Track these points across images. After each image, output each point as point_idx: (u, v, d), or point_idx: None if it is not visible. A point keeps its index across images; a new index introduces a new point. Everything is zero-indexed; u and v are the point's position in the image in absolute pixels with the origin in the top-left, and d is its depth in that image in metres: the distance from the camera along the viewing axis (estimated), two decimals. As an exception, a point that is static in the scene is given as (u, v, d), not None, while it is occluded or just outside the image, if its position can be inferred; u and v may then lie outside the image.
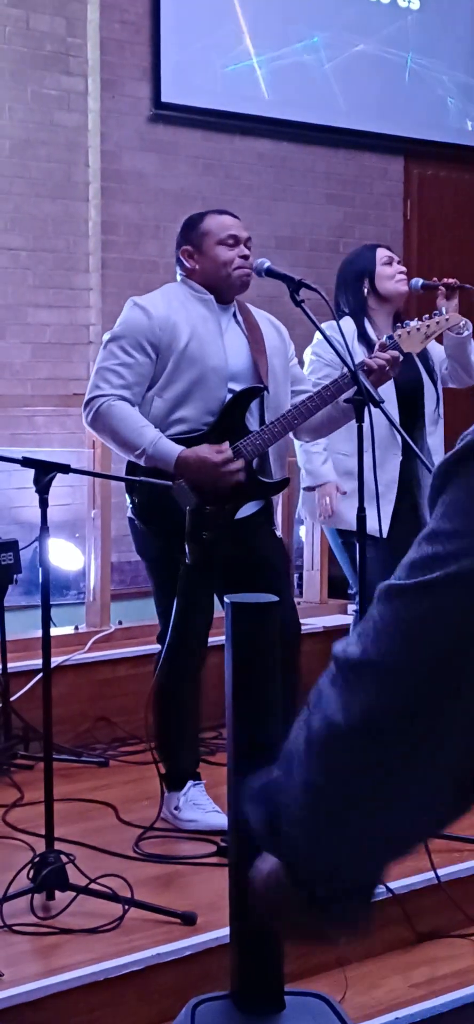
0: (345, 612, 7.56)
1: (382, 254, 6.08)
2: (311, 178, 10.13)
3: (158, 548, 5.12)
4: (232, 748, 3.01)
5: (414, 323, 5.34)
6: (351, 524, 5.86)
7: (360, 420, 4.94)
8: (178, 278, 5.24)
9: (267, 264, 5.11)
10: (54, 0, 8.85)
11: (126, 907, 4.29)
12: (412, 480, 6.10)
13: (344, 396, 5.05)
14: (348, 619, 7.36)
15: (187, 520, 4.85)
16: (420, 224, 10.66)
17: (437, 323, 5.40)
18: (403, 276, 6.04)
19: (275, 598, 3.13)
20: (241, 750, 2.98)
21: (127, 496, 5.16)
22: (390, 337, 5.41)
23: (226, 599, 3.05)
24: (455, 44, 10.67)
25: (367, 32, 10.21)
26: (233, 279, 5.13)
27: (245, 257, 5.13)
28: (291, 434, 5.23)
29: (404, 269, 6.09)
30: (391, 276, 6.02)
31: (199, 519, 4.94)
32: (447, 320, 5.50)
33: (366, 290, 6.01)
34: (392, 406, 5.80)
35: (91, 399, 5.05)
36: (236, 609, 2.97)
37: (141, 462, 4.96)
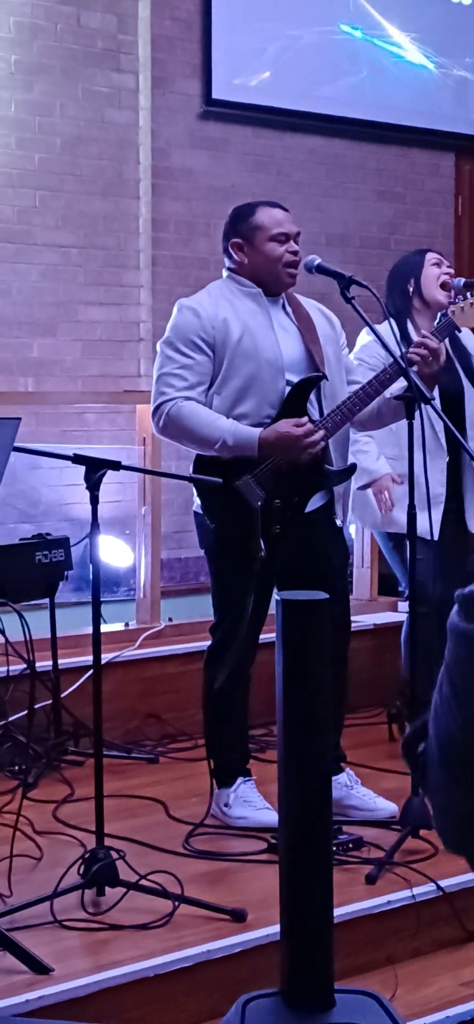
0: (395, 609, 7.53)
1: (432, 256, 6.07)
2: (362, 175, 10.11)
3: (224, 542, 5.11)
4: (282, 747, 3.01)
5: (468, 298, 5.31)
6: (402, 526, 5.84)
7: (411, 418, 4.92)
8: (224, 272, 5.23)
9: (318, 260, 5.10)
10: (105, -2, 8.88)
11: (176, 903, 4.29)
12: (458, 483, 6.06)
13: (395, 393, 5.03)
14: (398, 616, 7.34)
15: (258, 516, 4.86)
16: (471, 220, 10.63)
17: None
18: (449, 276, 6.01)
19: (325, 595, 3.11)
20: (291, 749, 2.97)
21: (194, 491, 5.16)
22: (444, 314, 5.38)
23: (276, 597, 3.05)
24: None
25: (420, 28, 10.17)
26: (282, 275, 5.12)
27: (294, 253, 5.11)
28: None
29: (451, 271, 6.06)
30: (437, 277, 5.99)
31: (270, 514, 4.95)
32: None
33: (411, 290, 5.99)
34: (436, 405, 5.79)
35: (158, 406, 5.04)
36: (287, 607, 2.96)
37: (223, 454, 4.95)
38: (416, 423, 4.93)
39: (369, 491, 5.99)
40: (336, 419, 5.03)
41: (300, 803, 2.96)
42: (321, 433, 4.97)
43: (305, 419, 4.96)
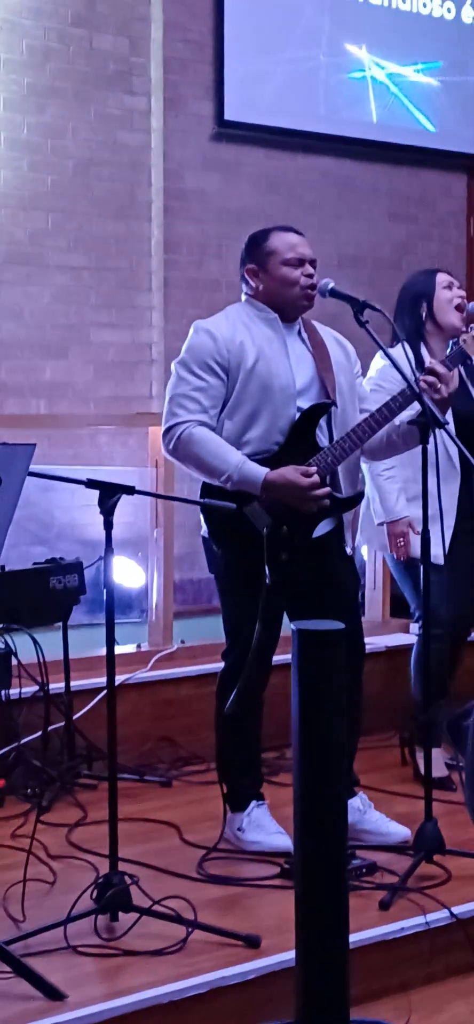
0: (407, 631, 7.52)
1: (442, 278, 6.05)
2: (374, 196, 10.12)
3: (232, 568, 5.12)
4: (298, 776, 3.00)
5: None
6: (415, 550, 5.84)
7: (425, 442, 4.91)
8: (243, 297, 5.24)
9: (331, 284, 5.09)
10: (117, 20, 8.89)
11: (190, 929, 4.29)
12: (472, 504, 6.06)
13: (408, 419, 5.02)
14: (410, 639, 7.33)
15: (265, 542, 4.86)
16: (484, 241, 10.63)
17: None
18: (461, 300, 6.00)
19: (341, 625, 3.11)
20: (307, 779, 2.97)
21: (202, 516, 5.16)
22: (455, 342, 5.38)
23: (292, 626, 3.04)
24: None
25: (431, 50, 10.18)
26: (297, 299, 5.12)
27: (309, 276, 5.11)
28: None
29: (463, 293, 6.05)
30: (450, 301, 5.98)
31: (277, 540, 4.94)
32: None
33: (424, 314, 5.98)
34: (451, 433, 5.78)
35: (170, 427, 5.04)
36: (303, 637, 2.96)
37: (227, 487, 4.95)
38: (430, 446, 4.92)
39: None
40: (345, 446, 5.03)
41: (316, 834, 2.95)
42: (326, 489, 4.96)
43: (313, 469, 4.95)
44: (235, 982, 4.08)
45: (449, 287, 6.02)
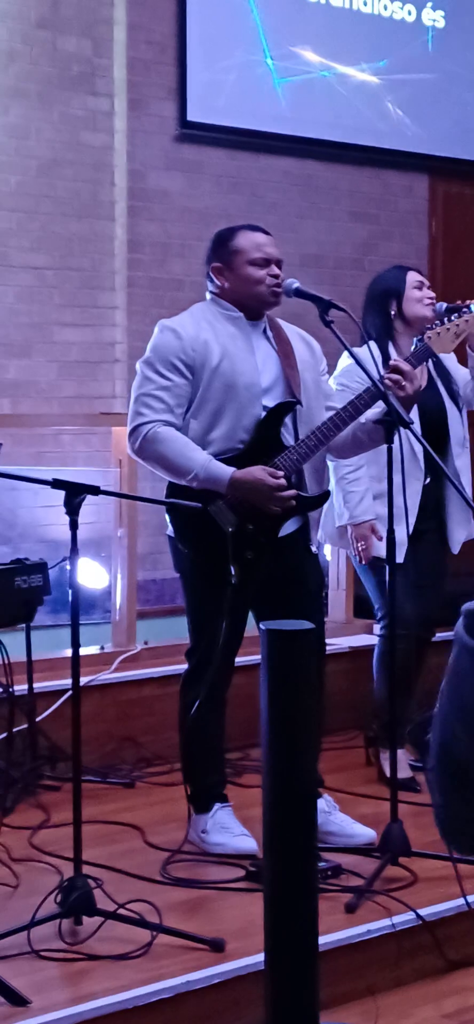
0: (371, 632, 7.51)
1: (413, 278, 6.03)
2: (335, 196, 10.11)
3: (197, 567, 5.10)
4: (268, 776, 2.98)
5: (444, 324, 5.30)
6: (376, 550, 5.83)
7: (390, 442, 4.91)
8: (207, 295, 5.22)
9: (296, 284, 5.08)
10: (81, 21, 8.85)
11: (154, 933, 4.26)
12: (439, 503, 6.06)
13: (374, 418, 5.01)
14: (374, 639, 7.32)
15: (230, 541, 4.84)
16: (445, 242, 10.62)
17: (467, 321, 5.34)
18: (431, 301, 5.99)
19: (311, 625, 3.10)
20: (277, 779, 2.95)
21: (167, 515, 5.14)
22: (420, 339, 5.38)
23: (261, 626, 3.02)
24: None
25: (391, 50, 10.18)
26: (263, 298, 5.10)
27: (275, 276, 5.10)
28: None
29: (433, 295, 6.04)
30: (419, 300, 5.97)
31: (241, 539, 4.92)
32: None
33: (393, 312, 5.96)
34: (416, 432, 5.77)
35: (136, 427, 5.02)
36: (272, 637, 2.94)
37: (193, 486, 4.93)
38: (395, 445, 4.92)
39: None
40: (310, 444, 5.01)
41: (285, 835, 2.93)
42: (292, 493, 4.95)
43: (281, 472, 4.94)
44: (200, 986, 4.06)
45: (419, 287, 6.01)
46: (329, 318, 4.92)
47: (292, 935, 2.96)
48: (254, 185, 9.61)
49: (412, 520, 5.81)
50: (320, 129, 9.87)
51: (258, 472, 4.91)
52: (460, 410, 6.08)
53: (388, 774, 5.21)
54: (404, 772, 5.87)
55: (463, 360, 6.12)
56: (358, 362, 4.91)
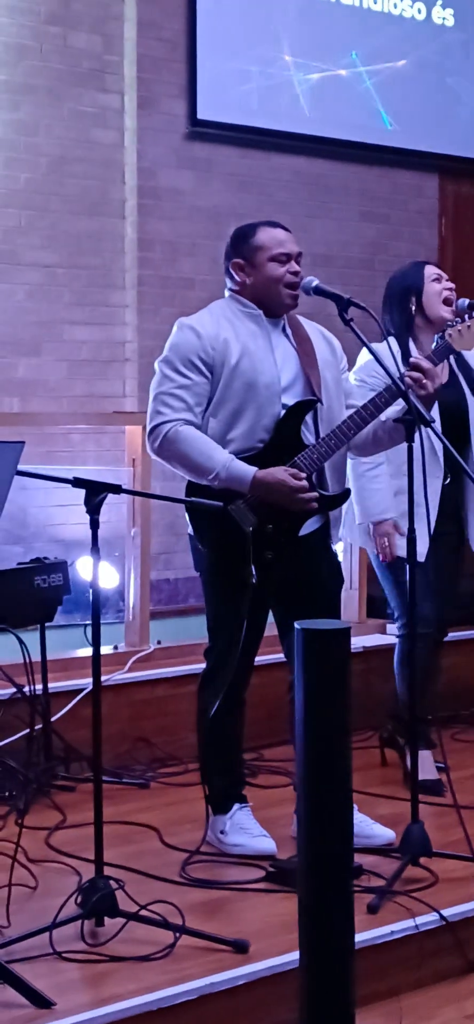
0: (384, 632, 7.49)
1: (431, 271, 5.99)
2: (345, 195, 10.09)
3: (217, 567, 5.07)
4: (304, 777, 2.95)
5: (466, 321, 5.26)
6: (400, 549, 5.79)
7: (410, 440, 4.87)
8: (226, 292, 5.19)
9: (316, 282, 5.06)
10: (91, 18, 8.83)
11: (177, 935, 4.23)
12: (458, 502, 6.02)
13: (394, 416, 4.98)
14: (387, 639, 7.30)
15: (249, 542, 4.81)
16: (455, 242, 10.60)
17: None
18: (451, 294, 5.94)
19: (347, 624, 3.07)
20: (313, 780, 2.92)
21: (187, 514, 5.12)
22: (441, 337, 5.33)
23: (296, 625, 2.99)
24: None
25: (403, 49, 10.16)
26: (283, 296, 5.08)
27: (295, 273, 5.07)
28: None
29: (452, 286, 5.98)
30: (438, 294, 5.92)
31: (261, 540, 4.90)
32: None
33: (413, 308, 5.91)
34: (436, 427, 5.73)
35: (156, 427, 4.98)
36: (308, 637, 2.91)
37: (214, 485, 4.90)
38: (415, 444, 4.88)
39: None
40: (331, 443, 4.99)
41: (322, 835, 2.91)
42: (314, 495, 4.92)
43: (303, 474, 4.92)
44: (224, 988, 4.03)
45: (438, 280, 5.96)
46: (348, 316, 4.89)
47: (328, 940, 2.93)
48: (264, 184, 9.58)
49: (433, 519, 5.77)
50: (331, 128, 9.85)
51: (280, 473, 4.88)
52: None
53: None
54: (430, 774, 5.83)
55: None
56: (378, 360, 4.88)
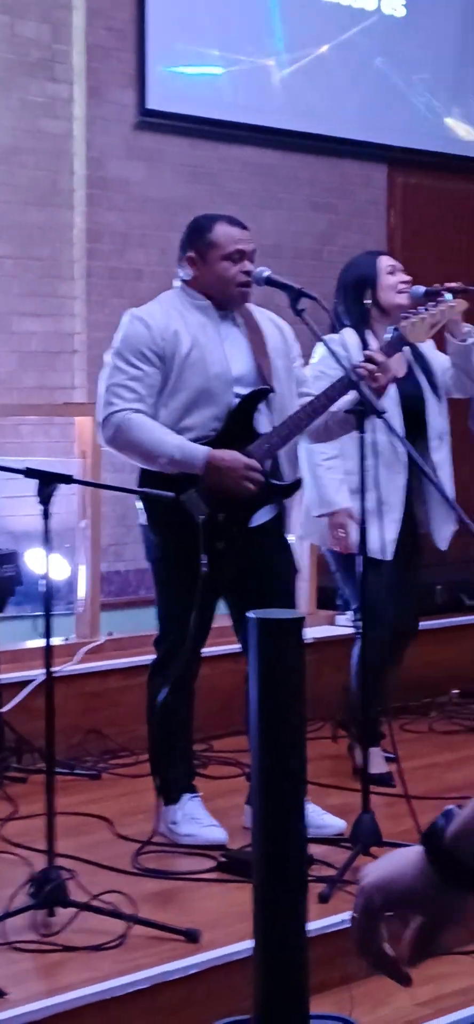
0: (333, 623, 7.52)
1: (385, 263, 5.99)
2: (295, 186, 10.09)
3: (168, 556, 5.09)
4: (258, 767, 2.96)
5: (419, 313, 5.27)
6: (354, 543, 5.78)
7: (361, 430, 4.90)
8: (176, 282, 5.20)
9: (267, 273, 5.08)
10: (40, 6, 8.78)
11: (129, 924, 4.24)
12: (415, 497, 6.00)
13: (346, 407, 5.00)
14: (337, 630, 7.32)
15: (201, 531, 4.82)
16: (404, 232, 10.63)
17: (442, 311, 5.32)
18: (406, 285, 5.95)
19: (302, 614, 3.09)
20: (267, 770, 2.93)
21: (139, 504, 5.13)
22: (395, 329, 5.34)
23: (249, 615, 3.00)
24: (440, 52, 10.64)
25: (353, 40, 10.17)
26: (233, 294, 5.10)
27: (247, 273, 5.09)
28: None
29: (408, 278, 5.99)
30: (394, 286, 5.93)
31: (213, 529, 4.91)
32: (453, 308, 5.41)
33: (369, 300, 5.90)
34: (397, 422, 5.73)
35: (108, 416, 5.00)
36: (262, 626, 2.92)
37: (167, 470, 4.91)
38: (375, 437, 4.91)
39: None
40: (284, 432, 5.01)
41: (277, 824, 2.92)
42: (261, 478, 4.94)
43: (254, 460, 4.93)
44: (176, 977, 4.05)
45: (392, 271, 5.97)
46: (300, 307, 4.91)
47: (282, 929, 2.94)
48: (214, 175, 9.57)
49: (398, 516, 5.77)
50: (280, 118, 9.84)
51: (234, 452, 4.92)
52: (440, 400, 6.03)
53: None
54: (380, 767, 5.85)
55: (441, 346, 6.09)
56: (331, 351, 4.90)
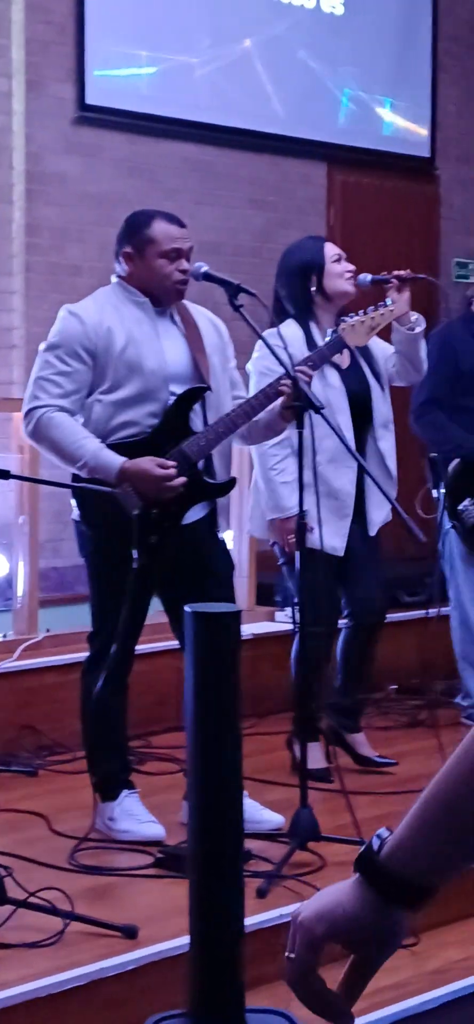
0: (272, 619, 7.52)
1: (331, 251, 5.92)
2: (234, 183, 10.09)
3: (102, 550, 5.08)
4: (194, 760, 2.95)
5: (358, 316, 5.27)
6: (311, 542, 5.76)
7: (300, 426, 4.90)
8: (113, 278, 5.18)
9: (205, 268, 5.08)
10: (-22, 0, 8.74)
11: (66, 921, 4.22)
12: (360, 489, 5.98)
13: (283, 404, 5.01)
14: (276, 626, 7.33)
15: (134, 525, 4.81)
16: (343, 230, 10.63)
17: (382, 315, 5.31)
18: (351, 275, 5.90)
19: (237, 607, 3.08)
20: (203, 763, 2.92)
21: (73, 499, 5.11)
22: (334, 331, 5.34)
23: (186, 609, 3.00)
24: (378, 51, 10.68)
25: (292, 38, 10.18)
26: (170, 291, 5.10)
27: (183, 271, 5.09)
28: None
29: (353, 268, 5.94)
30: (340, 274, 5.87)
31: (146, 523, 4.90)
32: (392, 312, 5.40)
33: (314, 288, 5.84)
34: (345, 414, 5.74)
35: (30, 410, 5.00)
36: (198, 619, 2.91)
37: (82, 473, 4.92)
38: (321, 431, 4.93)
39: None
40: (219, 430, 5.01)
41: (213, 819, 2.91)
42: (181, 480, 4.93)
43: (170, 463, 4.92)
44: (113, 973, 4.04)
45: (338, 260, 5.91)
46: (238, 302, 4.91)
47: (220, 917, 2.94)
48: (153, 170, 9.55)
49: (350, 510, 5.75)
50: (219, 115, 9.84)
51: (146, 463, 4.90)
52: (383, 388, 6.01)
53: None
54: (319, 763, 5.84)
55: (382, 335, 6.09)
56: (270, 349, 4.90)
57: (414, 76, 11.00)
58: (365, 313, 5.27)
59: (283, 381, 4.97)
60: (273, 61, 10.08)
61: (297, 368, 5.00)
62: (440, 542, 6.84)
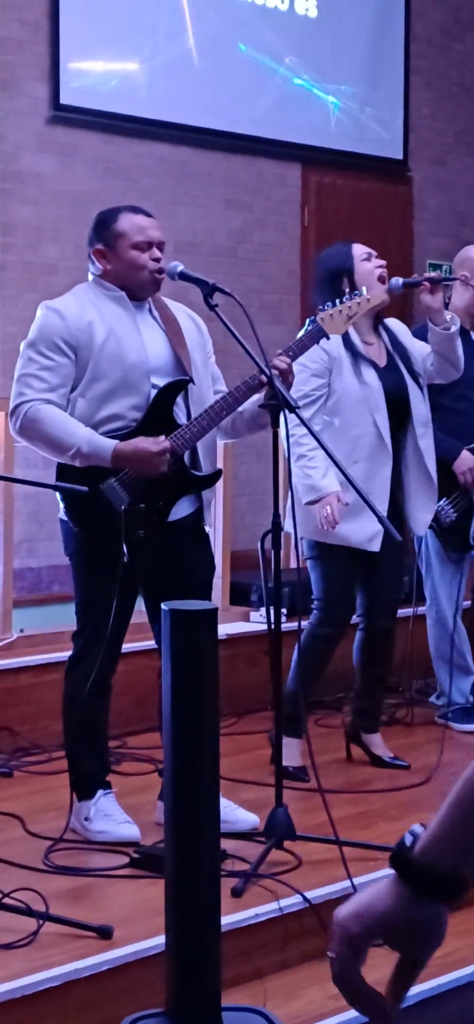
0: (247, 620, 7.51)
1: (360, 250, 5.93)
2: (210, 183, 10.09)
3: (89, 547, 5.06)
4: (171, 759, 2.94)
5: (336, 306, 5.26)
6: (343, 539, 5.75)
7: (276, 425, 4.90)
8: (89, 277, 5.18)
9: (180, 267, 5.07)
10: None
11: (41, 922, 4.20)
12: (396, 488, 5.98)
13: (260, 401, 5.00)
14: (251, 627, 7.32)
15: (122, 520, 4.80)
16: (318, 231, 10.65)
17: (358, 303, 5.31)
18: (383, 271, 5.90)
19: (214, 605, 3.07)
20: (180, 761, 2.91)
21: (59, 498, 5.09)
22: (312, 320, 5.32)
23: (163, 606, 2.98)
24: (352, 53, 10.70)
25: (268, 40, 10.18)
26: (145, 282, 5.09)
27: (157, 260, 5.08)
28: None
29: (384, 263, 5.94)
30: (371, 272, 5.89)
31: (133, 518, 4.89)
32: (368, 300, 5.39)
33: (346, 291, 5.79)
34: (382, 413, 5.78)
35: (16, 406, 4.98)
36: (175, 617, 2.90)
37: (76, 462, 4.90)
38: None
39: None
40: (203, 423, 5.00)
41: (189, 818, 2.90)
42: (167, 445, 4.92)
43: (163, 438, 4.92)
44: (88, 974, 4.02)
45: (368, 259, 5.92)
46: (214, 302, 4.90)
47: (194, 924, 2.93)
48: (129, 170, 9.54)
49: (384, 507, 5.72)
50: (195, 116, 9.84)
51: (139, 440, 4.90)
52: (421, 388, 6.02)
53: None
54: (295, 761, 5.83)
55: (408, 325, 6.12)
56: (244, 348, 4.88)
57: (387, 78, 11.04)
58: (341, 302, 5.26)
59: (275, 361, 4.97)
60: (247, 63, 10.07)
61: (275, 357, 4.99)
62: (416, 542, 6.88)
